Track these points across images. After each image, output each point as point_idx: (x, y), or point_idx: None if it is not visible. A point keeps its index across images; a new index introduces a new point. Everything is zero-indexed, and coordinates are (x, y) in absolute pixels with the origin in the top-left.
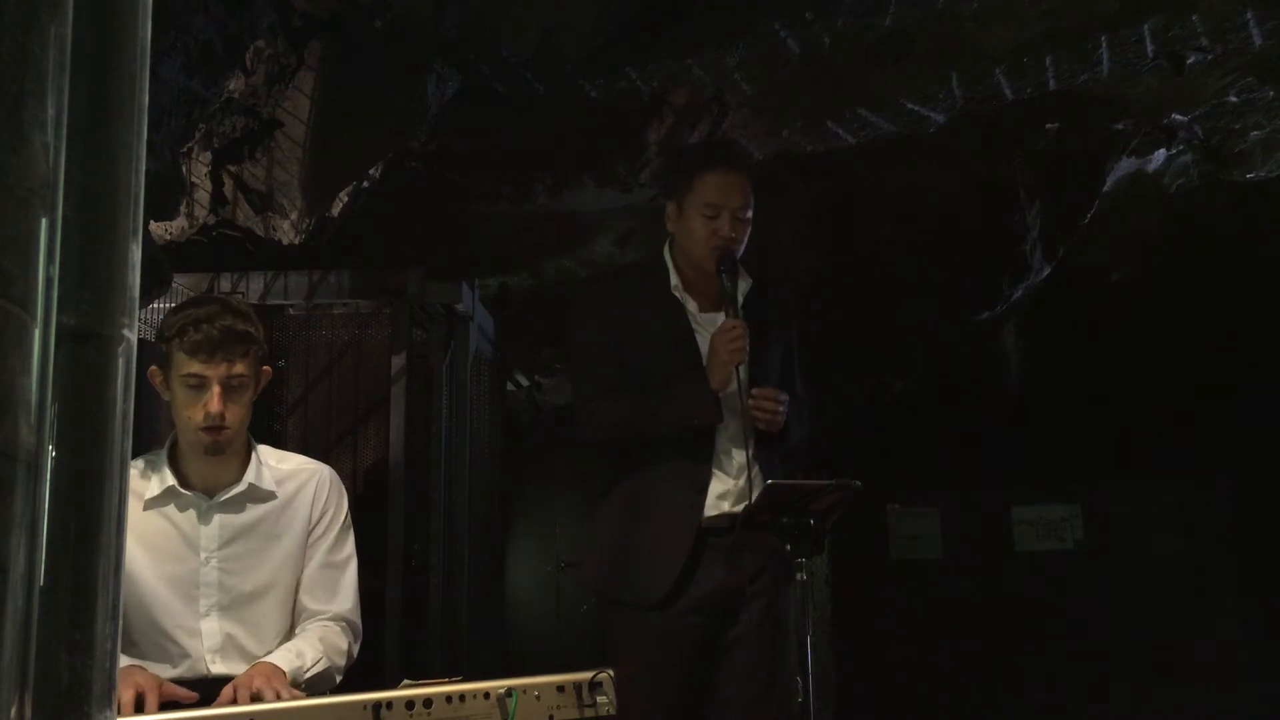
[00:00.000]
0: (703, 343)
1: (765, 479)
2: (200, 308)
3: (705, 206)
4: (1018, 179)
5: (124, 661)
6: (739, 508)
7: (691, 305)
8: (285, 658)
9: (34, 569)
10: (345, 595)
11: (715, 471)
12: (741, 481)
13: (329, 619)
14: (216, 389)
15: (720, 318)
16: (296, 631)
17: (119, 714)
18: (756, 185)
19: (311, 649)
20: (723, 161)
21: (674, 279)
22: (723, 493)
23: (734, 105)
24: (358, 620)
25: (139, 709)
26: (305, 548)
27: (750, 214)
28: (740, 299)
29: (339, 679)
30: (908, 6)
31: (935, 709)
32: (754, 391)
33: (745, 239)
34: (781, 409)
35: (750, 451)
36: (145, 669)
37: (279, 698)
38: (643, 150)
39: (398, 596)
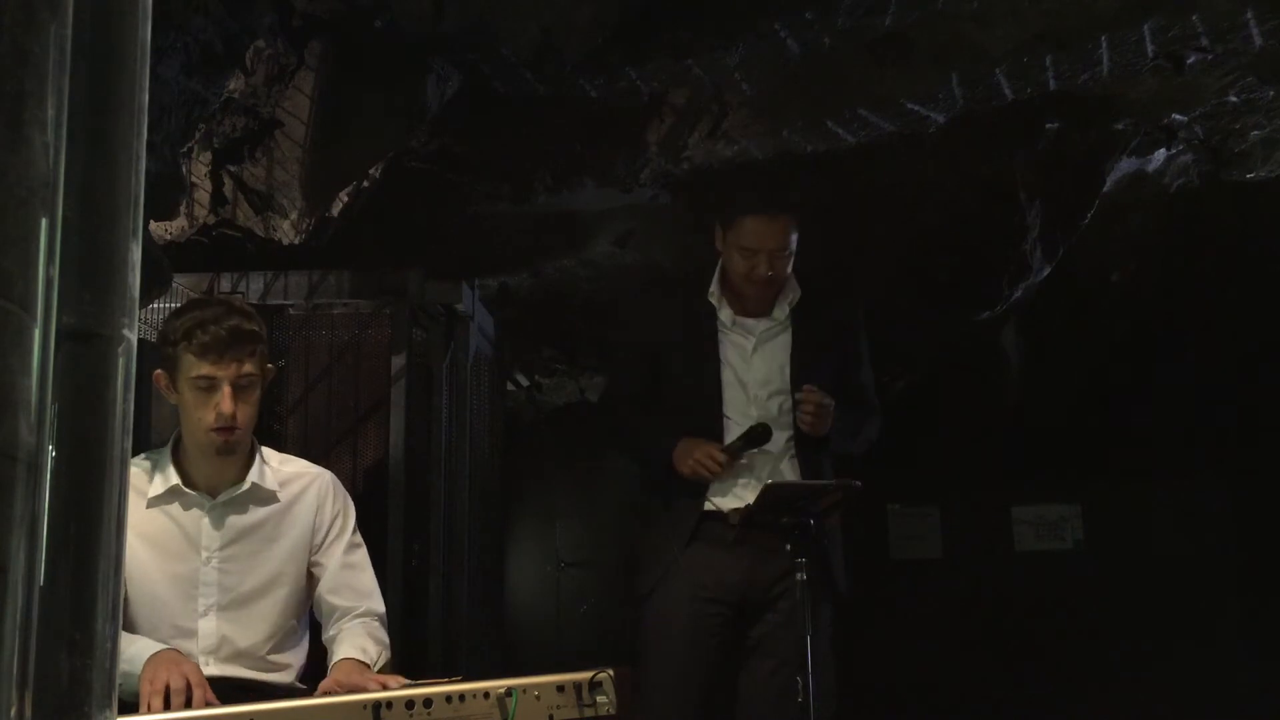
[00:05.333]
0: (726, 346)
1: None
2: (205, 309)
3: (744, 249)
4: (1018, 179)
5: (153, 645)
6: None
7: (725, 312)
8: (355, 655)
9: (34, 569)
10: (375, 595)
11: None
12: (764, 474)
13: (364, 615)
14: (227, 389)
15: (755, 324)
16: (332, 631)
17: (165, 699)
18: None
19: (371, 644)
20: (761, 206)
21: (713, 286)
22: (738, 485)
23: (734, 105)
24: (386, 619)
25: (186, 702)
26: (306, 551)
27: (791, 249)
28: (788, 309)
29: None
30: (908, 6)
31: (936, 709)
32: (800, 393)
33: (787, 270)
34: (824, 412)
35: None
36: (183, 659)
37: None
38: (643, 150)
39: (398, 596)
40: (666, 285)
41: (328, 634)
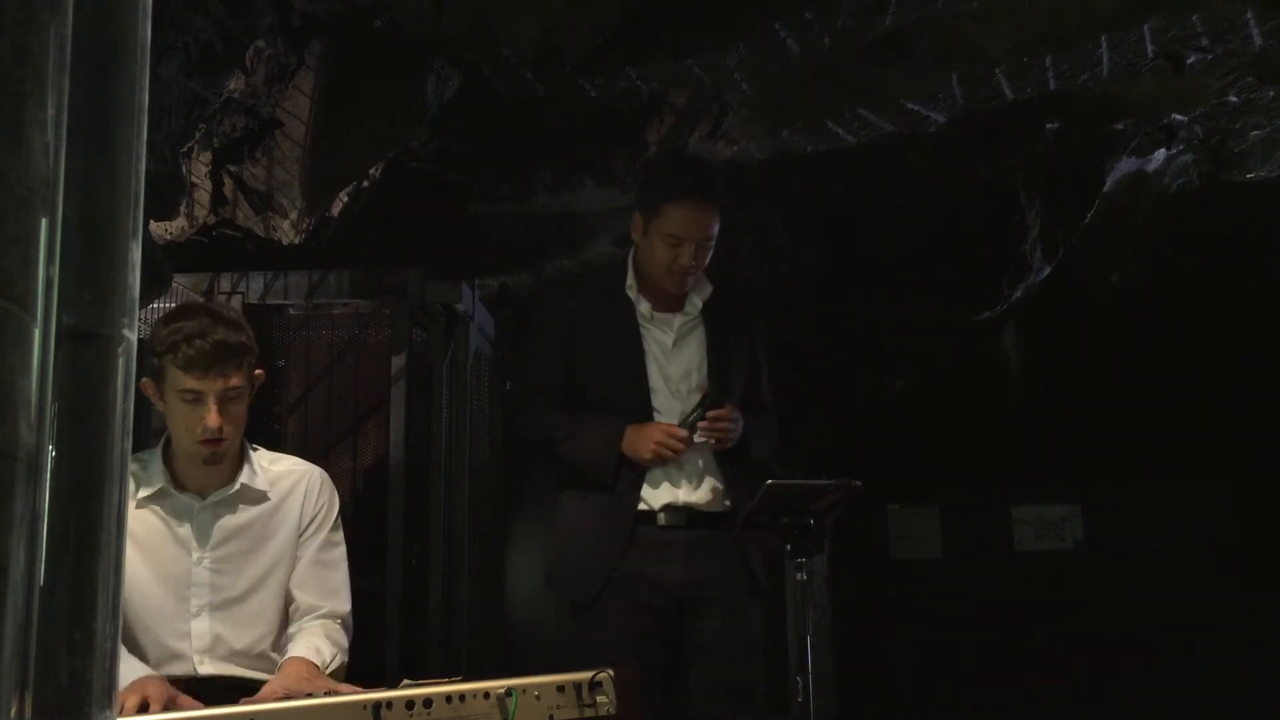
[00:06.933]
0: (648, 340)
1: (727, 485)
2: (190, 320)
3: (670, 235)
4: (1018, 179)
5: (139, 670)
6: (694, 497)
7: (644, 305)
8: (309, 654)
9: (34, 569)
10: (342, 595)
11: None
12: (692, 470)
13: (326, 616)
14: (213, 404)
15: (672, 318)
16: (292, 629)
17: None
18: (756, 185)
19: (326, 646)
20: (692, 192)
21: (630, 279)
22: (668, 479)
23: (734, 105)
24: (351, 621)
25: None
26: (296, 549)
27: (714, 239)
28: (699, 304)
29: (343, 677)
30: (908, 6)
31: (935, 709)
32: (709, 414)
33: (707, 260)
34: (733, 431)
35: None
36: (160, 680)
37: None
38: (643, 150)
39: (398, 596)
40: (594, 276)
41: (288, 631)
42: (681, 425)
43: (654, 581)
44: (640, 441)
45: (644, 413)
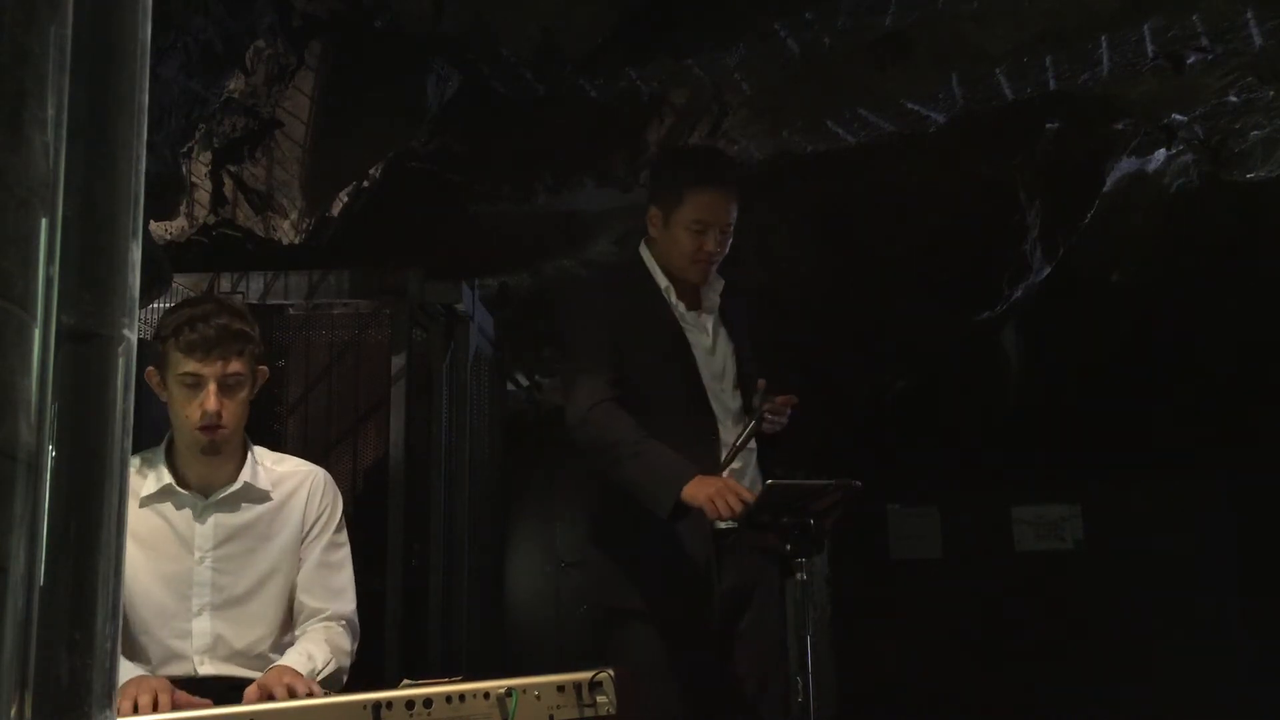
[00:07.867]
0: (692, 340)
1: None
2: (196, 307)
3: (694, 223)
4: (1018, 179)
5: (132, 671)
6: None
7: (680, 307)
8: (298, 661)
9: (34, 569)
10: (345, 595)
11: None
12: (749, 472)
13: (329, 618)
14: (212, 387)
15: (701, 317)
16: (297, 632)
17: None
18: (756, 185)
19: (321, 651)
20: (715, 178)
21: (663, 281)
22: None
23: (734, 105)
24: (357, 620)
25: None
26: (299, 549)
27: (733, 226)
28: (717, 299)
29: (344, 679)
30: (908, 7)
31: (935, 709)
32: (779, 399)
33: (727, 249)
34: (786, 416)
35: (737, 440)
36: (158, 680)
37: (306, 695)
38: (643, 150)
39: (398, 596)
40: (623, 273)
41: (292, 634)
42: (751, 415)
43: (711, 584)
44: (704, 489)
45: (704, 418)
